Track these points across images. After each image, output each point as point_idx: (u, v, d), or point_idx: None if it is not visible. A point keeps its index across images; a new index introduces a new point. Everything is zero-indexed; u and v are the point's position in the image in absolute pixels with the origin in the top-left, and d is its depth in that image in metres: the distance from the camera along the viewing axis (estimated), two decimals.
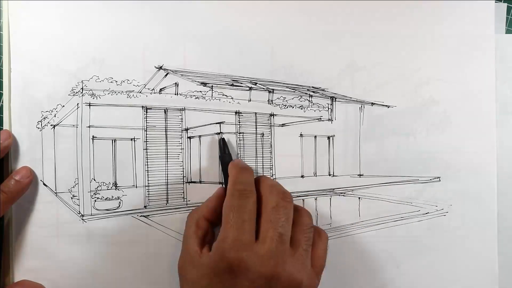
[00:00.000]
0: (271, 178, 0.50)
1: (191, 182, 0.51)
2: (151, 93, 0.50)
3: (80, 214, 0.48)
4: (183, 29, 0.50)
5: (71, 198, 0.48)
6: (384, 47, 0.51)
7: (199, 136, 0.51)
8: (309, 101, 0.53)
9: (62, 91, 0.48)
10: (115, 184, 0.49)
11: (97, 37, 0.49)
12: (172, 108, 0.50)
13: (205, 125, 0.51)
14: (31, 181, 0.48)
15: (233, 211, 0.42)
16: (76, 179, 0.48)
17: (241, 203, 0.42)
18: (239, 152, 0.51)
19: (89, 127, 0.49)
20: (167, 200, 0.50)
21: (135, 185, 0.49)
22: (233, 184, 0.44)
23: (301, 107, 0.53)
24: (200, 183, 0.51)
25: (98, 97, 0.49)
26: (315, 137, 0.52)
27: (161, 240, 0.49)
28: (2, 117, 0.49)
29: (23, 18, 0.48)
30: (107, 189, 0.49)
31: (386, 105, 0.52)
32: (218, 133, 0.51)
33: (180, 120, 0.51)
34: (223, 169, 0.48)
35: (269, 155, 0.52)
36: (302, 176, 0.52)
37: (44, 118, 0.48)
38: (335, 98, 0.52)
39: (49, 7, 0.48)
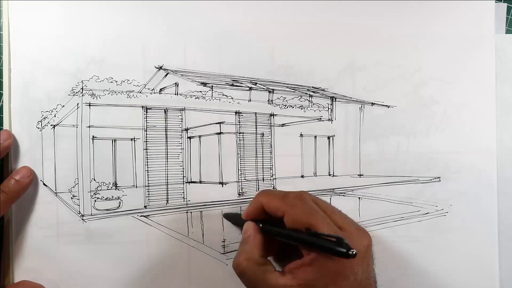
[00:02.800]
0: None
1: (191, 182, 0.51)
2: (151, 93, 0.50)
3: (80, 214, 0.48)
4: (183, 29, 0.50)
5: (71, 198, 0.48)
6: (384, 47, 0.51)
7: (199, 136, 0.51)
8: (309, 101, 0.53)
9: (62, 91, 0.48)
10: (115, 184, 0.49)
11: (97, 37, 0.49)
12: (172, 108, 0.50)
13: (205, 125, 0.51)
14: (31, 181, 0.48)
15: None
16: (76, 179, 0.48)
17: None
18: (239, 152, 0.51)
19: (89, 127, 0.49)
20: (167, 200, 0.50)
21: (135, 185, 0.49)
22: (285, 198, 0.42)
23: (301, 107, 0.53)
24: (200, 183, 0.51)
25: (98, 97, 0.48)
26: (315, 137, 0.52)
27: (161, 240, 0.49)
28: (2, 117, 0.49)
29: (23, 18, 0.48)
30: (107, 189, 0.49)
31: (386, 105, 0.52)
32: (218, 133, 0.51)
33: (180, 120, 0.51)
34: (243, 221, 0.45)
35: (269, 155, 0.52)
36: (302, 176, 0.52)
37: (44, 118, 0.48)
38: (335, 98, 0.52)
39: (49, 7, 0.48)
